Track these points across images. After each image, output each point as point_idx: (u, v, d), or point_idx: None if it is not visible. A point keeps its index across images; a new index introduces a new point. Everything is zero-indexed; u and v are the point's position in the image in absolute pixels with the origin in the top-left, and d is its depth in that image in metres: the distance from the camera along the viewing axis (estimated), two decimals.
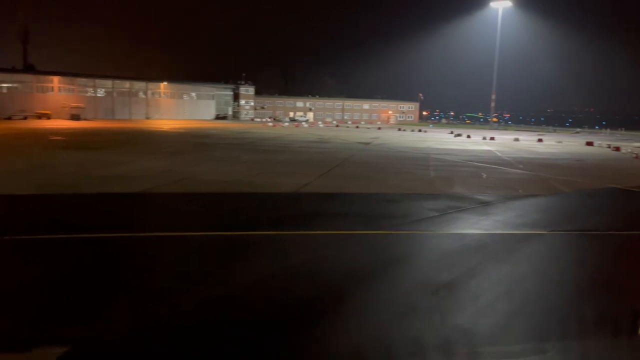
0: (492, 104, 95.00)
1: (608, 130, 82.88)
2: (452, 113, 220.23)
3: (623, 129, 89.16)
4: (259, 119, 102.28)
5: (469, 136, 52.52)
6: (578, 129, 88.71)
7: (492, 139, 48.53)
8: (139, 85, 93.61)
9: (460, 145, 40.60)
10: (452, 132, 58.65)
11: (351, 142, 40.52)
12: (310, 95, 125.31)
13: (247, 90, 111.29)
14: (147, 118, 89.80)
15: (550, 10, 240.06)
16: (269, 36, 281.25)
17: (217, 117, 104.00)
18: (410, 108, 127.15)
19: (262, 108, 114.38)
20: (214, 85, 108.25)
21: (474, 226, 10.67)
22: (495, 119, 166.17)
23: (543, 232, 10.27)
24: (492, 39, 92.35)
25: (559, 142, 47.34)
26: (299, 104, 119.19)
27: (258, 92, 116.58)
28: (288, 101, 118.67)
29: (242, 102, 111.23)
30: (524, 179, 19.42)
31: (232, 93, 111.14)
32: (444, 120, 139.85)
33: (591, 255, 8.89)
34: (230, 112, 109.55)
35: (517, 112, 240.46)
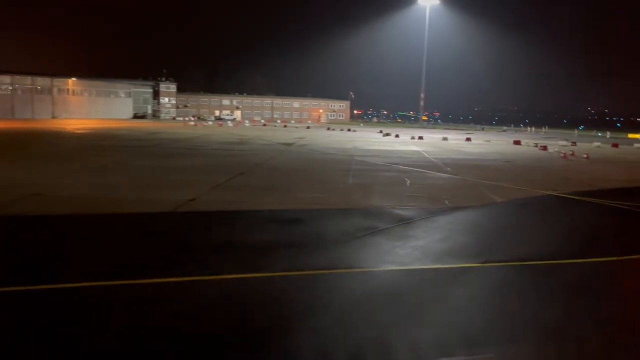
0: (421, 103, 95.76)
1: (533, 129, 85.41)
2: (385, 112, 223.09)
3: (547, 127, 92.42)
4: (181, 118, 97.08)
5: (397, 135, 51.39)
6: (505, 127, 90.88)
7: (420, 138, 47.56)
8: (43, 81, 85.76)
9: (388, 145, 39.02)
10: (381, 132, 57.45)
11: (273, 143, 37.83)
12: (237, 93, 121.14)
13: (168, 87, 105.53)
14: (54, 117, 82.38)
15: (478, 9, 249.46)
16: (195, 32, 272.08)
17: (136, 116, 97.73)
18: (341, 107, 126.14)
19: (185, 106, 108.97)
20: (131, 82, 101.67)
21: (387, 258, 8.29)
22: (425, 118, 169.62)
23: (475, 264, 8.05)
24: (423, 36, 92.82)
25: (487, 141, 47.15)
26: (226, 101, 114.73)
27: (181, 90, 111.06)
28: (213, 99, 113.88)
29: (163, 100, 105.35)
30: (452, 185, 17.55)
31: (151, 90, 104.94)
32: (375, 119, 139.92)
33: (540, 302, 6.70)
34: (149, 111, 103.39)
35: (447, 111, 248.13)
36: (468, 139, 47.61)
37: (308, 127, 73.53)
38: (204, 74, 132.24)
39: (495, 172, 22.08)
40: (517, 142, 43.52)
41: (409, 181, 18.13)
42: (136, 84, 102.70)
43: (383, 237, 9.65)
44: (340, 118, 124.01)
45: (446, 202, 13.85)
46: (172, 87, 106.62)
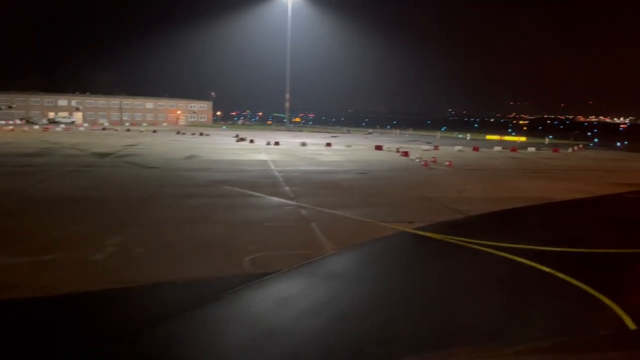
0: (287, 104, 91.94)
1: (398, 131, 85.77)
2: (260, 113, 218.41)
3: (411, 128, 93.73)
4: (3, 122, 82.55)
5: (252, 141, 46.39)
6: (370, 130, 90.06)
7: (276, 144, 43.03)
8: None
9: (235, 154, 33.83)
10: (237, 136, 52.10)
11: (86, 154, 30.68)
12: (79, 92, 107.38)
13: None
14: None
15: (347, 9, 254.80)
16: (31, 21, 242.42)
17: None
18: (202, 107, 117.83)
19: (10, 107, 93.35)
20: None
21: None
22: (298, 119, 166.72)
23: None
24: (293, 35, 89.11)
25: (348, 146, 44.07)
26: (62, 102, 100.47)
27: (6, 88, 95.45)
28: (47, 99, 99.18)
29: None
30: (276, 219, 12.82)
31: None
32: (240, 121, 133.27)
33: None
34: None
35: (323, 112, 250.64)
36: (328, 145, 44.15)
37: (155, 131, 65.60)
38: (40, 70, 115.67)
39: (344, 192, 17.95)
40: (378, 148, 40.88)
41: (219, 214, 13.07)
42: None
43: None
44: (202, 120, 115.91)
45: (247, 259, 8.95)
46: None
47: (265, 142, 43.94)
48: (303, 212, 13.90)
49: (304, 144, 43.85)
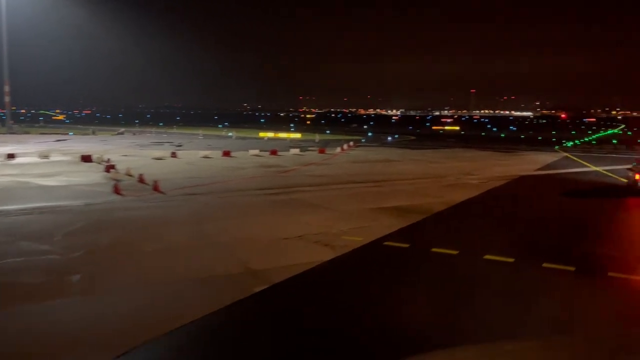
0: (7, 99, 73.35)
1: (154, 130, 73.96)
2: (23, 110, 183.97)
3: (175, 126, 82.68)
4: None
5: None
6: (122, 129, 75.85)
7: None
8: None
9: None
10: None
11: None
12: None
13: None
14: None
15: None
16: None
17: None
18: None
19: None
20: None
21: None
22: (62, 117, 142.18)
23: None
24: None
25: (45, 157, 31.70)
26: None
27: None
28: None
29: None
30: None
31: None
32: None
33: None
34: None
35: (112, 107, 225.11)
36: (10, 156, 31.15)
37: None
38: None
39: None
40: (85, 159, 29.74)
41: None
42: None
43: None
44: None
45: None
46: None
47: None
48: None
49: None
